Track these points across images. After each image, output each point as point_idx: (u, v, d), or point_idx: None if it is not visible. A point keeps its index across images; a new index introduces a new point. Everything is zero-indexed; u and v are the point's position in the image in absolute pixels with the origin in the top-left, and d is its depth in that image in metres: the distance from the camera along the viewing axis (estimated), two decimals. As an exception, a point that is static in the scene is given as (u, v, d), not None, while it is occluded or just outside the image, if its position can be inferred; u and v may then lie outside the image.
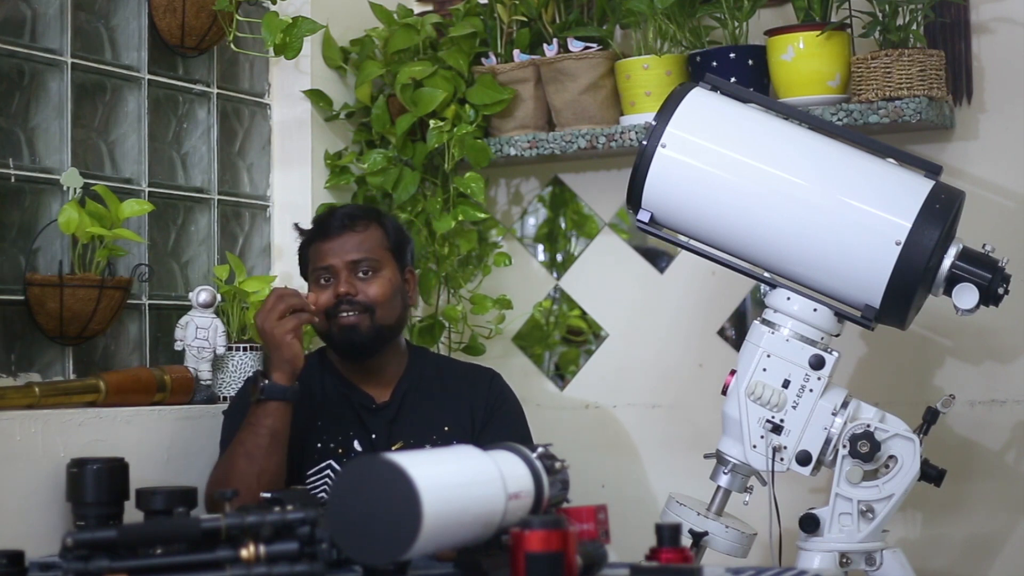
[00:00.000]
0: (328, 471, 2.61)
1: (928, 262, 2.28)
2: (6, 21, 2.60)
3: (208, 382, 2.79)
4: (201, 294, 2.80)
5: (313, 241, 2.68)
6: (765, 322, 2.43)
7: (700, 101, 2.42)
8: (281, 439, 2.50)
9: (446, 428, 2.66)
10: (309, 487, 2.59)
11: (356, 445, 2.63)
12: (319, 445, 2.62)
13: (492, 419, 2.70)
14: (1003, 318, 2.65)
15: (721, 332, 3.16)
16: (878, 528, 2.37)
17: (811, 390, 2.38)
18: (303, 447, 2.61)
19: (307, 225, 2.78)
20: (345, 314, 2.61)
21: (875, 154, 2.42)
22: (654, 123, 2.40)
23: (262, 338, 2.55)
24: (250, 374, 2.71)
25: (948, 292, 2.35)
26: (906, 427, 2.38)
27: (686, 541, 2.23)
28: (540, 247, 3.42)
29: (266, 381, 2.50)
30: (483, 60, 3.22)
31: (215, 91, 3.04)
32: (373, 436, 2.64)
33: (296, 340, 2.51)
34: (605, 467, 3.22)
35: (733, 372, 2.44)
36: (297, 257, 2.76)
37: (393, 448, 2.61)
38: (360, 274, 2.63)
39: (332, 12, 3.17)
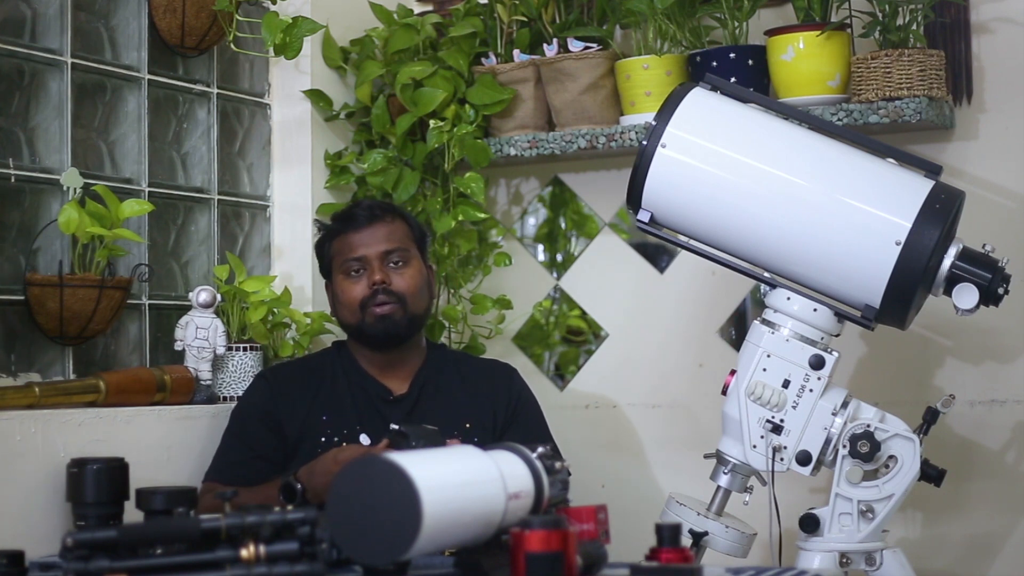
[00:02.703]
0: None
1: (928, 262, 2.28)
2: (6, 21, 2.60)
3: (208, 382, 2.79)
4: (201, 294, 2.80)
5: (340, 234, 2.71)
6: (765, 322, 2.42)
7: (700, 101, 2.42)
8: None
9: (468, 425, 2.68)
10: None
11: (363, 440, 2.64)
12: (323, 439, 2.63)
13: (515, 419, 2.74)
14: (1003, 318, 2.65)
15: (721, 332, 3.16)
16: (878, 528, 2.37)
17: (811, 390, 2.38)
18: (304, 440, 2.62)
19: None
20: (380, 304, 2.64)
21: (875, 154, 2.42)
22: (654, 123, 2.40)
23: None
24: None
25: (948, 292, 2.35)
26: (906, 427, 2.37)
27: (686, 541, 2.23)
28: (540, 247, 3.42)
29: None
30: (483, 60, 3.22)
31: (215, 91, 3.03)
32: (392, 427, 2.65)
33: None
34: (605, 467, 3.22)
35: (733, 372, 2.44)
36: (315, 253, 2.79)
37: None
38: (391, 264, 2.67)
39: (332, 12, 3.17)
